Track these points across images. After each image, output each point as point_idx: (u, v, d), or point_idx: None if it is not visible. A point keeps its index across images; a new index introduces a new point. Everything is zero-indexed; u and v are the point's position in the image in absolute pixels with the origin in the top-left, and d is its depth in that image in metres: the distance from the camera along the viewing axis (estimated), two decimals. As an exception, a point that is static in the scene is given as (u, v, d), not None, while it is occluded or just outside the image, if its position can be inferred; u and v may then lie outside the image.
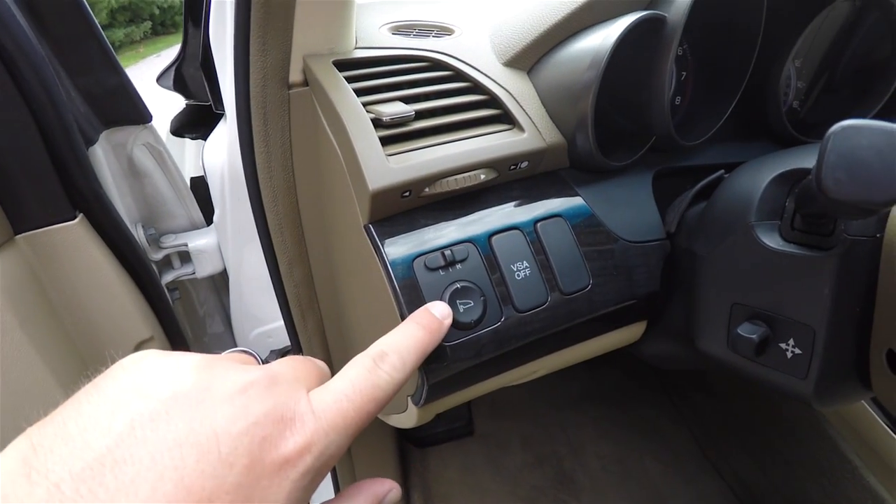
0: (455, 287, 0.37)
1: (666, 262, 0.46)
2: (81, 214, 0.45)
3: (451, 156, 0.39)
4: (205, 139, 0.57)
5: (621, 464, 1.06)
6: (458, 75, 0.45)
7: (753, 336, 0.36)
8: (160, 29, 9.34)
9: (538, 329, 0.40)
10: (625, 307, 0.45)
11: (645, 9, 0.43)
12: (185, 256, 0.58)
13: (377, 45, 0.46)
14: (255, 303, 0.60)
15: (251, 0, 0.36)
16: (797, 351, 0.35)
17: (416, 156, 0.39)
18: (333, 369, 0.69)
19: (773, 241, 0.36)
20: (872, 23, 0.51)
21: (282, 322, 0.60)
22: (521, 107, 0.44)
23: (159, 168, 0.52)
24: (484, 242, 0.40)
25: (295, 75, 0.42)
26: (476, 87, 0.45)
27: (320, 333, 0.59)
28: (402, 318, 0.37)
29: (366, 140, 0.37)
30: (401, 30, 0.52)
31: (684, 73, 0.53)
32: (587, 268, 0.42)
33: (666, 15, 0.41)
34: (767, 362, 0.37)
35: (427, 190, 0.39)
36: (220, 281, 0.66)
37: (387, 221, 0.39)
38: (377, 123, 0.39)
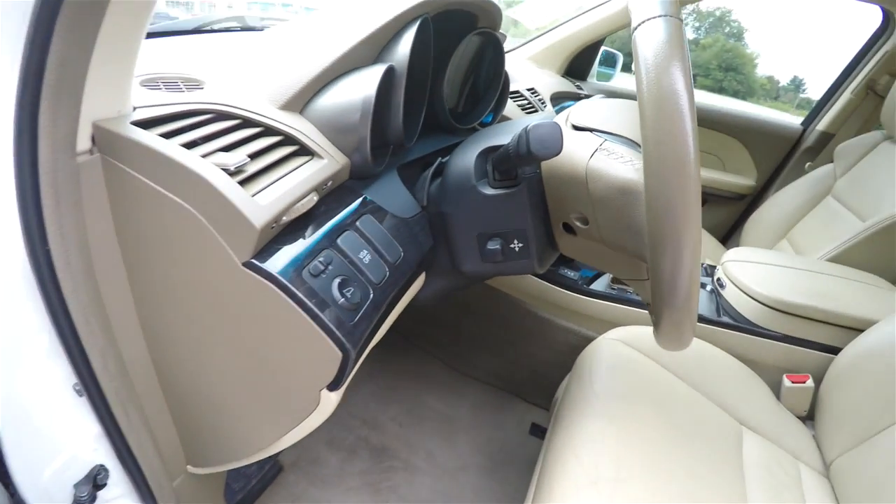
0: (338, 280, 0.47)
1: (430, 224, 0.65)
2: None
3: (295, 187, 0.47)
4: None
5: (411, 413, 1.27)
6: (247, 122, 0.51)
7: (497, 247, 0.61)
8: None
9: (389, 292, 0.54)
10: (420, 262, 0.62)
11: (375, 61, 0.61)
12: None
13: (149, 104, 0.46)
14: (40, 436, 0.48)
15: (45, 68, 0.33)
16: (520, 245, 0.61)
17: (270, 193, 0.45)
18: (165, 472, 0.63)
19: (487, 190, 0.59)
20: (491, 54, 0.83)
21: (75, 451, 0.51)
22: (312, 140, 0.54)
23: None
24: (336, 244, 0.50)
25: (83, 143, 0.39)
26: (269, 130, 0.52)
27: (149, 429, 0.54)
28: (315, 320, 0.44)
29: (231, 187, 0.41)
30: (149, 83, 0.51)
31: None
32: (397, 243, 0.57)
33: (395, 65, 0.59)
34: (508, 259, 0.63)
35: (285, 218, 0.46)
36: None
37: (262, 252, 0.44)
38: (225, 172, 0.42)
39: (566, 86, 1.59)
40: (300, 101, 0.56)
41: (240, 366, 0.50)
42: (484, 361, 1.36)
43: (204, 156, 0.43)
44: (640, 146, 0.50)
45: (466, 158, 0.61)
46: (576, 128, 0.57)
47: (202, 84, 0.57)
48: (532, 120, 0.65)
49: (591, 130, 0.56)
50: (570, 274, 1.21)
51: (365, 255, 0.52)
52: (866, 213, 1.48)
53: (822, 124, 2.00)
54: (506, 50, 1.74)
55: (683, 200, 0.38)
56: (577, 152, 0.54)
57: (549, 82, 1.47)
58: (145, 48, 0.68)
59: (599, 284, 1.29)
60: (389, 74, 0.59)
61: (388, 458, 1.15)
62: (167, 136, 0.42)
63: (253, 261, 0.43)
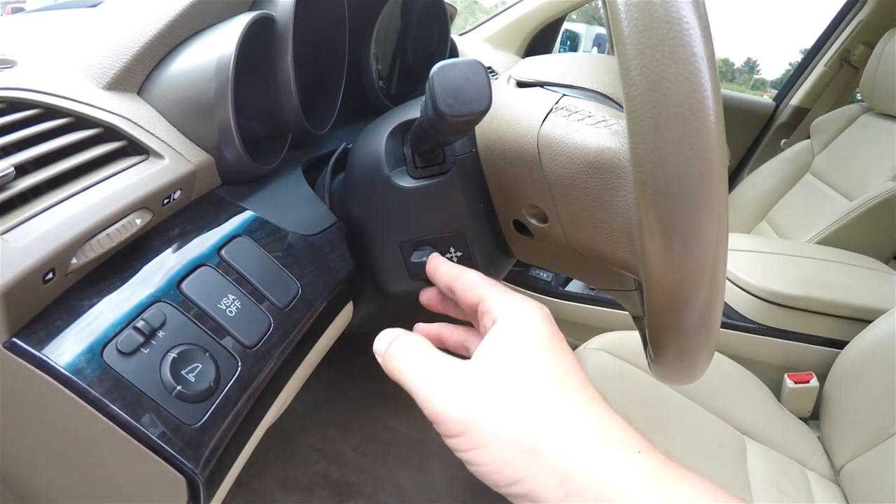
0: (172, 357, 0.31)
1: (349, 240, 0.50)
2: None
3: (91, 208, 0.31)
4: None
5: (376, 440, 1.13)
6: (52, 111, 0.35)
7: (424, 259, 0.42)
8: None
9: (277, 353, 0.38)
10: (335, 295, 0.46)
11: (250, 10, 0.44)
12: None
13: None
14: None
15: None
16: (458, 254, 0.43)
17: (41, 222, 0.29)
18: None
19: (406, 182, 0.42)
20: (421, 10, 0.65)
21: None
22: (148, 132, 0.38)
23: None
24: (175, 294, 0.34)
25: None
26: (83, 121, 0.36)
27: None
28: (129, 430, 0.28)
29: None
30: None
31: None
32: (290, 274, 0.42)
33: (274, 14, 0.43)
34: None
35: (75, 261, 0.30)
36: None
37: (35, 324, 0.28)
38: None
39: (527, 66, 1.46)
40: (134, 78, 0.40)
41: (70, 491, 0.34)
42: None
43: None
44: (615, 101, 0.34)
45: (374, 140, 0.44)
46: (521, 84, 0.41)
47: (14, 63, 0.41)
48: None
49: (542, 85, 0.40)
50: (542, 275, 1.08)
51: (231, 304, 0.36)
52: (852, 190, 1.41)
53: (795, 99, 1.93)
54: (459, 33, 1.57)
55: (701, 170, 0.23)
56: (524, 117, 0.37)
57: (509, 62, 1.34)
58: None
59: (576, 286, 1.16)
60: (264, 26, 0.43)
61: (352, 494, 1.02)
62: None
63: (15, 340, 0.28)
